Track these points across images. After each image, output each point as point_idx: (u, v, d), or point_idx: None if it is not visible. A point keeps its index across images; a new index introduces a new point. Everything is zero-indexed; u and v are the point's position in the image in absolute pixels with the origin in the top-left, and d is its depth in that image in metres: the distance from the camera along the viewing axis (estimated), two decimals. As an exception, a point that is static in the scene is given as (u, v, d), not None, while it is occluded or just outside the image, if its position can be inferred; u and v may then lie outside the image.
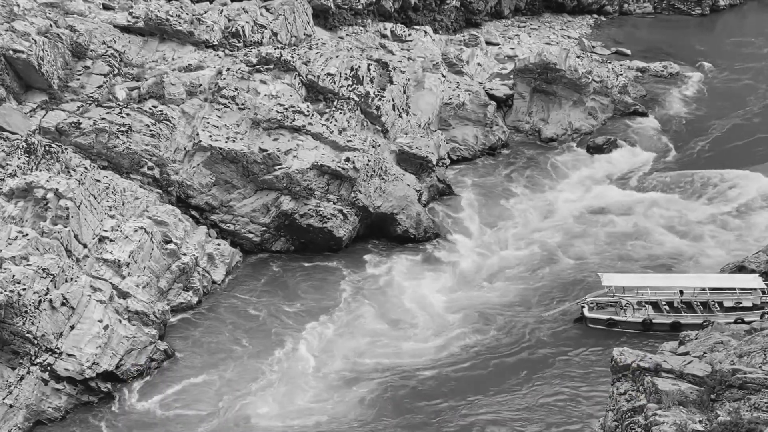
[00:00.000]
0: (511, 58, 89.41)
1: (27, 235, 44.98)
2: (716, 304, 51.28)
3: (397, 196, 60.28)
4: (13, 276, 42.87)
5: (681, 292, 51.61)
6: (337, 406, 44.49)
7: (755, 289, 50.68)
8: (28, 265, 43.92)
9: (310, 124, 59.84)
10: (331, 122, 61.01)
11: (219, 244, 55.98)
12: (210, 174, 57.76)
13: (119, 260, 48.91)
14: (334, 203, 58.52)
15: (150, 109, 57.72)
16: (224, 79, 60.51)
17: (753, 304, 50.99)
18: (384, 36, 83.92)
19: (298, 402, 44.84)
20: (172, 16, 64.40)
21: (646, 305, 51.05)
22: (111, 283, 48.21)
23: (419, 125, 68.69)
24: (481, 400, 44.52)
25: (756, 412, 26.23)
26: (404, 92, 68.50)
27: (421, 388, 45.87)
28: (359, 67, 65.41)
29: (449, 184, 66.89)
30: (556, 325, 50.96)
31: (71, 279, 45.75)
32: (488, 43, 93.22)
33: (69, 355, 44.26)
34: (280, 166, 57.72)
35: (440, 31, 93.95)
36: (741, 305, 51.06)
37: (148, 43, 64.17)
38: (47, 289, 43.89)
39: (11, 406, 42.13)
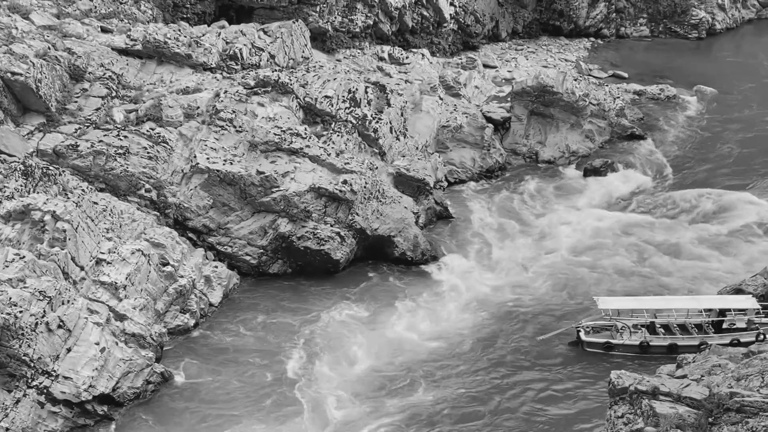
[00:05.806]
0: (508, 81, 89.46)
1: (24, 257, 44.94)
2: (711, 326, 51.31)
3: (395, 219, 60.28)
4: (10, 298, 42.78)
5: (687, 313, 51.59)
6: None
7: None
8: (25, 287, 43.85)
9: (307, 146, 59.94)
10: (328, 145, 61.10)
11: (216, 267, 55.90)
12: (207, 196, 57.81)
13: (116, 282, 48.84)
14: (331, 225, 58.52)
15: (148, 131, 57.83)
16: (222, 101, 60.65)
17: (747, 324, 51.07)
18: (381, 59, 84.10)
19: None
20: (170, 38, 64.56)
21: (642, 328, 51.02)
22: (108, 305, 48.09)
23: (417, 148, 68.77)
24: (474, 425, 44.33)
25: (754, 436, 26.23)
26: (402, 115, 68.64)
27: (412, 411, 45.68)
28: (357, 89, 65.56)
29: (447, 207, 66.85)
30: (552, 349, 50.82)
31: (68, 301, 45.65)
32: (485, 65, 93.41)
33: (65, 377, 44.11)
34: (277, 189, 57.78)
35: (438, 54, 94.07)
36: (736, 326, 51.09)
37: (146, 66, 64.28)
38: (44, 311, 43.80)
39: (7, 429, 41.93)
